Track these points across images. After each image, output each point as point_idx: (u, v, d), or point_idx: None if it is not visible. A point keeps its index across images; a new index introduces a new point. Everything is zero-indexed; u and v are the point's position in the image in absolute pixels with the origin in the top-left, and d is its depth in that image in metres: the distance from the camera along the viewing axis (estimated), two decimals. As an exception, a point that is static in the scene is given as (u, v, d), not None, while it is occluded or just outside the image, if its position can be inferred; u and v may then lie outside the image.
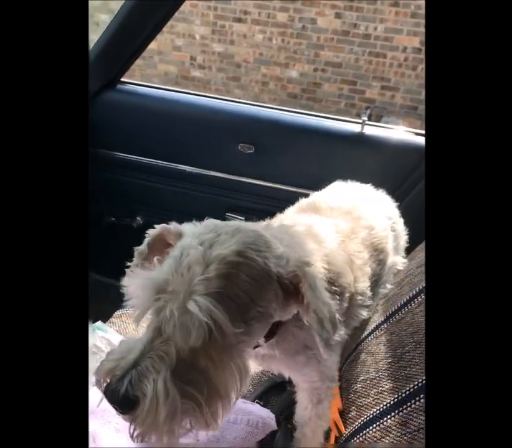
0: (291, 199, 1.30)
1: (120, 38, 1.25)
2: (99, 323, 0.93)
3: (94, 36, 1.27)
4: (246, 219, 1.34)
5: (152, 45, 4.35)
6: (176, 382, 0.46)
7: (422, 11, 3.54)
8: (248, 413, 0.71)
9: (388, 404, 0.66)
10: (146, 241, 0.63)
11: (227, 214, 1.36)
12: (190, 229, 0.57)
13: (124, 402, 0.46)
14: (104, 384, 0.47)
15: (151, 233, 0.63)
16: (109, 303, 1.13)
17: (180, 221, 1.43)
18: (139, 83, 1.41)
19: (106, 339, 0.87)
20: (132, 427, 0.47)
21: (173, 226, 0.62)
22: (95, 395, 0.68)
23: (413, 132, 1.25)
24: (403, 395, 0.64)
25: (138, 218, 1.44)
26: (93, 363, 0.82)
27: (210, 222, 0.58)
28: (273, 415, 0.72)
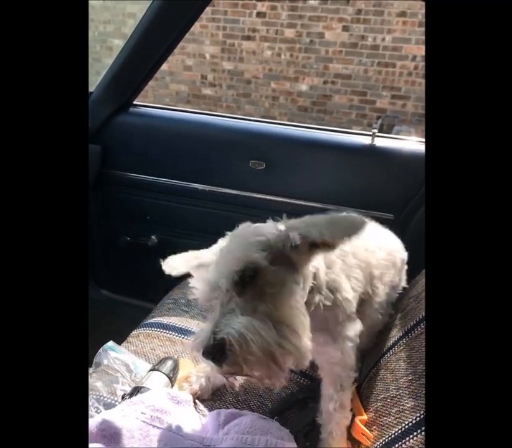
0: (303, 213, 1.30)
1: (133, 62, 1.28)
2: (111, 343, 0.93)
3: (109, 60, 1.31)
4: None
5: (164, 66, 4.45)
6: (251, 321, 0.53)
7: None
8: (266, 432, 0.70)
9: (410, 424, 0.64)
10: None
11: (240, 230, 1.36)
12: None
13: (216, 351, 0.52)
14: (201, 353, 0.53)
15: None
16: (127, 322, 1.14)
17: (194, 238, 1.45)
18: (151, 105, 1.45)
19: (119, 359, 0.87)
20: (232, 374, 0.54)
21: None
22: (110, 418, 0.68)
23: (424, 142, 1.24)
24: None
25: (153, 237, 1.46)
26: (105, 384, 0.83)
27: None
28: (292, 436, 0.71)
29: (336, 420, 0.75)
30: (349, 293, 0.72)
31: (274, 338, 0.54)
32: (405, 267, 0.97)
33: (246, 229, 0.67)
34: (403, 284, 0.96)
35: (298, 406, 0.86)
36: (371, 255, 0.81)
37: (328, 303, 0.69)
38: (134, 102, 1.42)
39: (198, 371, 0.87)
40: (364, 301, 0.80)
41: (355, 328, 0.75)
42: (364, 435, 0.74)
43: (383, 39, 3.75)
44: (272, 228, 0.64)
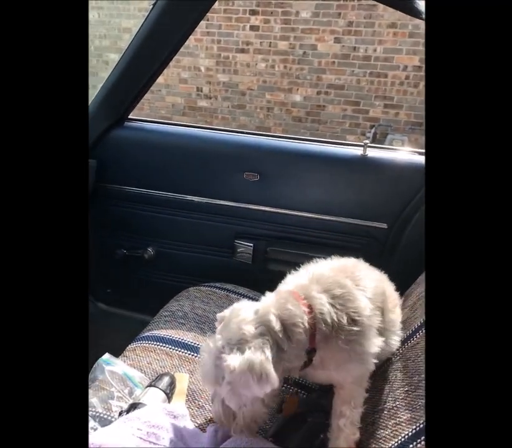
0: (298, 223, 1.31)
1: (128, 76, 1.30)
2: (107, 355, 0.92)
3: (105, 74, 1.33)
4: (255, 245, 1.34)
5: (160, 79, 4.51)
6: None
7: (420, 31, 3.61)
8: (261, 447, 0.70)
9: (406, 436, 0.64)
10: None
11: (235, 241, 1.36)
12: None
13: None
14: None
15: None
16: (123, 335, 1.13)
17: (191, 250, 1.45)
18: (146, 119, 1.47)
19: (115, 373, 0.86)
20: None
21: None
22: (107, 435, 0.68)
23: (416, 152, 1.25)
24: (422, 425, 0.62)
25: (149, 249, 1.46)
26: (100, 400, 0.82)
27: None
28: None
29: (344, 436, 0.74)
30: (367, 311, 0.71)
31: None
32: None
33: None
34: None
35: (296, 421, 0.84)
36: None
37: (354, 328, 0.69)
38: (130, 117, 1.43)
39: None
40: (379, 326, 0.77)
41: (378, 345, 0.73)
42: None
43: (374, 50, 3.81)
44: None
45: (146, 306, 1.29)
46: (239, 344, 0.65)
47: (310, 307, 0.69)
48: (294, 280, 0.76)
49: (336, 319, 0.68)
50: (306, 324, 0.67)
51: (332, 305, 0.69)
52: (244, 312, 0.69)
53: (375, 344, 0.73)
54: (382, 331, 0.77)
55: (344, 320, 0.69)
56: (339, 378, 0.75)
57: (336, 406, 0.76)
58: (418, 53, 3.71)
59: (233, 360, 0.62)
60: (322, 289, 0.71)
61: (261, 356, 0.63)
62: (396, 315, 0.84)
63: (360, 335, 0.70)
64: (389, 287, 0.87)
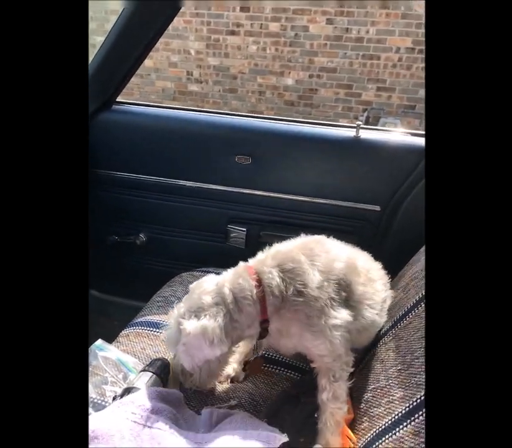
0: (291, 207, 1.30)
1: (113, 58, 1.27)
2: (99, 341, 0.92)
3: (91, 57, 1.29)
4: (248, 230, 1.34)
5: (149, 63, 4.44)
6: None
7: (412, 12, 3.55)
8: (256, 427, 0.70)
9: (399, 414, 0.65)
10: None
11: (228, 226, 1.35)
12: None
13: None
14: None
15: None
16: (116, 322, 1.13)
17: (183, 236, 1.44)
18: (134, 102, 1.43)
19: (108, 359, 0.86)
20: None
21: None
22: (101, 420, 0.68)
23: (409, 133, 1.24)
24: (415, 403, 0.63)
25: (141, 235, 1.45)
26: (94, 385, 0.82)
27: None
28: (284, 433, 0.70)
29: (329, 410, 0.76)
30: (315, 283, 0.75)
31: None
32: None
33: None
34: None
35: (290, 403, 0.85)
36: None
37: (299, 299, 0.74)
38: (117, 100, 1.40)
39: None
40: (348, 298, 0.80)
41: (341, 317, 0.76)
42: (347, 437, 0.74)
43: (367, 31, 3.75)
44: None
45: (139, 292, 1.28)
46: (197, 311, 0.73)
47: (259, 281, 0.75)
48: (257, 257, 0.83)
49: (284, 291, 0.75)
50: (255, 296, 0.74)
51: (282, 279, 0.75)
52: (206, 284, 0.78)
53: (332, 316, 0.75)
54: (353, 304, 0.80)
55: (290, 292, 0.74)
56: (304, 349, 0.81)
57: (318, 380, 0.79)
58: (410, 35, 3.65)
59: (190, 325, 0.72)
60: (275, 264, 0.77)
61: (214, 323, 0.71)
62: (370, 289, 0.85)
63: (306, 305, 0.74)
64: (363, 263, 0.89)
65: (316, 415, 0.78)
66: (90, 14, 4.51)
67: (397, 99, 3.91)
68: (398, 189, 1.19)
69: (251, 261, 0.82)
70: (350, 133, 1.22)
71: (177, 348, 0.75)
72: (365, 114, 3.86)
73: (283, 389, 0.89)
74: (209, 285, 0.78)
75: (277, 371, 0.93)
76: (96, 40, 4.62)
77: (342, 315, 0.76)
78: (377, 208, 1.23)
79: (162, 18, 1.20)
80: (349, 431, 0.75)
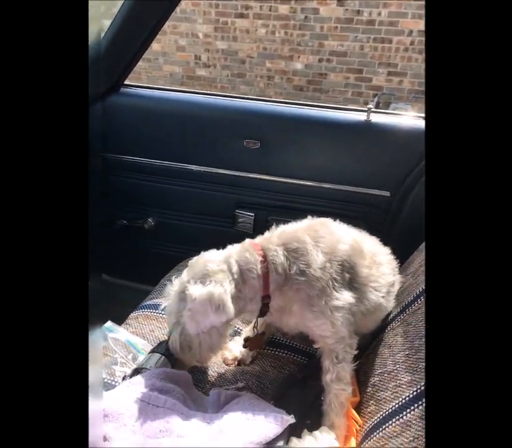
0: (299, 192, 1.29)
1: (120, 40, 1.25)
2: (109, 323, 0.93)
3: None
4: (256, 215, 1.33)
5: (157, 47, 4.38)
6: None
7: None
8: (264, 408, 0.71)
9: (407, 398, 0.65)
10: None
11: (236, 211, 1.35)
12: None
13: None
14: None
15: None
16: (125, 305, 1.14)
17: (191, 220, 1.44)
18: (142, 85, 1.42)
19: (117, 340, 0.87)
20: None
21: None
22: (111, 399, 0.69)
23: (421, 117, 1.22)
24: (422, 388, 0.63)
25: (149, 220, 1.45)
26: (104, 366, 0.83)
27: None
28: (290, 414, 0.71)
29: (333, 391, 0.77)
30: (318, 264, 0.76)
31: None
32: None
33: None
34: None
35: (297, 386, 0.86)
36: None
37: (301, 278, 0.76)
38: (125, 83, 1.38)
39: (235, 341, 0.93)
40: (352, 280, 0.80)
41: (343, 298, 0.76)
42: (353, 419, 0.75)
43: (379, 14, 3.65)
44: None
45: (148, 276, 1.29)
46: (202, 278, 0.74)
47: (264, 257, 0.77)
48: (263, 236, 0.84)
49: (287, 270, 0.76)
50: (259, 271, 0.76)
51: (286, 257, 0.76)
52: (209, 255, 0.79)
53: (334, 297, 0.76)
54: (357, 286, 0.80)
55: (293, 271, 0.76)
56: (306, 329, 0.82)
57: (322, 362, 0.80)
58: (423, 17, 3.55)
59: (196, 290, 0.72)
60: (281, 243, 0.78)
61: (220, 289, 0.72)
62: (375, 271, 0.85)
63: (308, 285, 0.76)
64: (371, 246, 0.89)
65: (322, 399, 0.79)
66: (97, -5, 4.47)
67: (408, 84, 3.83)
68: (409, 175, 1.17)
69: (258, 239, 0.83)
70: (360, 117, 1.20)
71: (183, 316, 0.75)
72: (376, 99, 3.79)
73: (290, 373, 0.90)
74: (213, 256, 0.79)
75: (284, 354, 0.93)
76: (105, 23, 4.57)
77: (344, 297, 0.77)
78: (387, 193, 1.22)
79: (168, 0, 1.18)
80: (355, 413, 0.76)
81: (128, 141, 1.38)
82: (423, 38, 3.61)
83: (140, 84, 1.41)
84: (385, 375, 0.75)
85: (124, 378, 0.80)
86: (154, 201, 1.44)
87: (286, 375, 0.89)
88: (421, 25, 3.59)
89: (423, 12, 3.53)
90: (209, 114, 1.30)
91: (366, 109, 1.19)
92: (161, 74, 4.57)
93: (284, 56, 4.07)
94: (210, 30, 4.20)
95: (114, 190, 1.45)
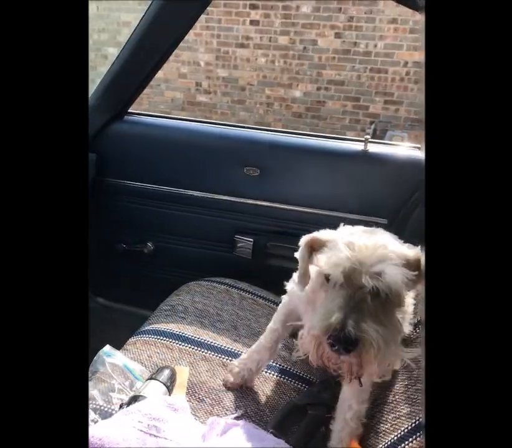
0: (298, 219, 1.31)
1: (128, 70, 1.29)
2: (107, 347, 0.93)
3: (103, 68, 1.32)
4: (255, 241, 1.35)
5: (159, 74, 4.46)
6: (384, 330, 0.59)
7: (421, 26, 3.60)
8: (262, 440, 0.70)
9: (406, 430, 0.64)
10: (303, 248, 0.73)
11: (235, 236, 1.36)
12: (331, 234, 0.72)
13: (352, 342, 0.57)
14: (328, 336, 0.58)
15: (302, 241, 0.73)
16: (124, 330, 1.13)
17: (191, 245, 1.45)
18: (145, 113, 1.46)
19: (115, 366, 0.87)
20: (351, 364, 0.59)
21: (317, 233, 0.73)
22: (108, 428, 0.68)
23: (417, 147, 1.25)
24: (421, 419, 0.63)
25: (149, 244, 1.46)
26: (101, 392, 0.82)
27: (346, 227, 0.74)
28: (290, 446, 0.70)
29: (349, 429, 0.75)
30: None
31: (393, 350, 0.61)
32: None
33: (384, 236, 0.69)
34: None
35: (297, 414, 0.84)
36: None
37: None
38: (129, 111, 1.43)
39: (239, 363, 0.90)
40: None
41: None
42: None
43: (375, 45, 3.80)
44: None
45: (146, 301, 1.29)
46: None
47: None
48: None
49: None
50: None
51: None
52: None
53: None
54: None
55: None
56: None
57: (345, 399, 0.77)
58: (419, 49, 3.69)
59: None
60: None
61: None
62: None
63: None
64: None
65: (322, 429, 0.78)
66: (102, 25, 4.57)
67: (404, 112, 3.94)
68: (406, 203, 1.20)
69: None
70: (358, 146, 1.23)
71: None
72: (372, 126, 3.88)
73: (291, 400, 0.89)
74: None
75: (285, 380, 0.93)
76: (108, 51, 4.72)
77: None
78: (384, 221, 1.24)
79: (178, 30, 1.23)
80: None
81: (130, 166, 1.41)
82: (419, 69, 3.75)
83: (143, 112, 1.46)
84: (385, 406, 0.74)
85: (121, 406, 0.79)
86: (154, 226, 1.45)
87: (286, 402, 0.88)
88: (416, 56, 3.73)
89: (418, 44, 3.67)
90: (211, 142, 1.33)
91: (363, 139, 1.23)
92: (162, 100, 4.69)
93: (283, 84, 4.20)
94: (212, 59, 4.35)
95: (115, 214, 1.47)
